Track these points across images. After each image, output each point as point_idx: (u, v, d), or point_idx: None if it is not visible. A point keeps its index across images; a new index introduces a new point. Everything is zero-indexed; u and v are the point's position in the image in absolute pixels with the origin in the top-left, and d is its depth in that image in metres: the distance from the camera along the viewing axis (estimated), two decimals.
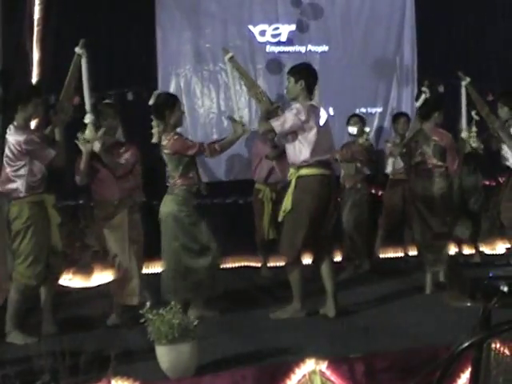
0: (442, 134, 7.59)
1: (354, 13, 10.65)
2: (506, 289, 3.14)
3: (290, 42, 10.43)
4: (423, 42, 10.58)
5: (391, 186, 9.15)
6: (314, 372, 4.89)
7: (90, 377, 4.80)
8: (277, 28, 10.39)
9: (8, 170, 6.32)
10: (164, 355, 4.96)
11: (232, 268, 9.53)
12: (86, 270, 8.66)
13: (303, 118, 6.53)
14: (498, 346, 3.38)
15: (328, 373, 4.91)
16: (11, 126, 6.36)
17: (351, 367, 4.99)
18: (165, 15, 10.04)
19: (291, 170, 6.78)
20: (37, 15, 9.46)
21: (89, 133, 6.65)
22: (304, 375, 4.88)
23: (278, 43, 10.41)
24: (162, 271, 6.84)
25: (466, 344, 3.05)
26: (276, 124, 6.61)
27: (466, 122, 7.85)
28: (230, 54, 7.15)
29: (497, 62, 10.53)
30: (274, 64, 10.34)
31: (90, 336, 6.08)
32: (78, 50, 6.80)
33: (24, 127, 6.34)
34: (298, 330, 6.10)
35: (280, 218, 6.87)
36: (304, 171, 6.61)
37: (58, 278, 6.77)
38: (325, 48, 10.47)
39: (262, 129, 6.92)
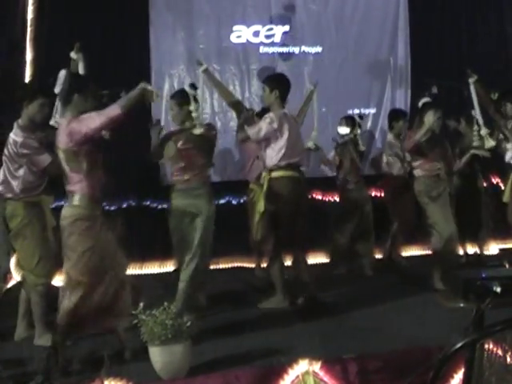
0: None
1: (347, 14, 10.66)
2: (498, 289, 3.14)
3: (283, 42, 10.43)
4: (417, 42, 10.60)
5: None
6: (307, 373, 4.88)
7: (83, 377, 4.80)
8: (270, 29, 10.40)
9: (6, 168, 6.19)
10: (157, 356, 4.96)
11: (225, 269, 9.54)
12: None
13: (276, 126, 6.97)
14: (490, 346, 3.38)
15: (321, 373, 4.91)
16: (15, 124, 6.20)
17: (344, 368, 4.99)
18: (158, 16, 10.04)
19: (264, 173, 7.24)
20: (30, 15, 9.45)
21: None
22: (297, 376, 4.87)
23: (272, 44, 10.41)
24: (193, 270, 6.68)
25: (459, 345, 3.05)
26: (252, 132, 7.04)
27: (481, 119, 7.78)
28: (204, 67, 7.23)
29: (490, 63, 10.53)
30: (268, 65, 10.33)
31: (83, 337, 6.06)
32: (73, 55, 6.75)
33: (27, 127, 6.14)
34: (291, 331, 6.10)
35: (257, 219, 7.22)
36: (275, 174, 7.06)
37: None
38: (318, 49, 10.48)
39: (240, 136, 7.31)
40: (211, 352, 5.45)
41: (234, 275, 9.08)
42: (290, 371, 4.88)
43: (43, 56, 9.30)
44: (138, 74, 8.64)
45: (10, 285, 8.75)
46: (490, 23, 10.87)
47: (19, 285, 8.38)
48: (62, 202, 9.00)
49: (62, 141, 5.40)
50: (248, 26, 10.35)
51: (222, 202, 9.92)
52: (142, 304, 5.18)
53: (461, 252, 9.22)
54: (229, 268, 9.60)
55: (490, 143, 7.73)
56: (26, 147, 6.05)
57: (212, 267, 9.27)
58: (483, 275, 3.32)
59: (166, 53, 10.07)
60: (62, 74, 5.57)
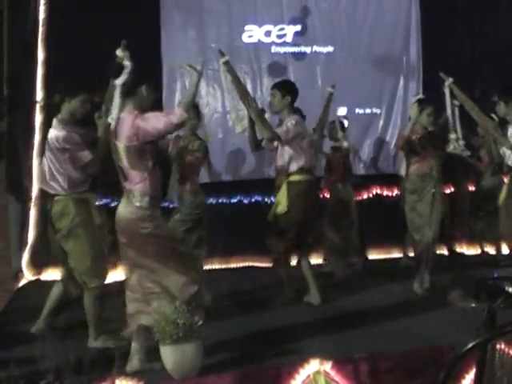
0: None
1: (359, 13, 10.63)
2: (510, 289, 3.13)
3: (295, 42, 10.42)
4: (429, 41, 10.56)
5: None
6: (318, 372, 4.89)
7: (94, 376, 4.80)
8: (282, 29, 10.39)
9: (51, 166, 6.02)
10: (168, 355, 4.96)
11: (236, 268, 9.54)
12: None
13: (301, 128, 7.17)
14: (502, 346, 3.38)
15: (332, 373, 4.91)
16: (54, 120, 6.09)
17: (356, 367, 4.99)
18: (169, 15, 10.04)
19: (280, 176, 7.36)
20: (42, 15, 9.47)
21: None
22: (308, 375, 4.88)
23: (283, 44, 10.40)
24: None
25: (471, 345, 3.04)
26: (281, 132, 7.07)
27: (452, 123, 7.74)
28: (225, 58, 7.19)
29: (501, 61, 10.49)
30: (279, 65, 10.33)
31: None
32: (119, 52, 6.72)
33: (67, 122, 6.05)
34: (302, 331, 6.10)
35: (270, 218, 7.29)
36: (296, 177, 7.21)
37: None
38: (330, 49, 10.46)
39: (267, 135, 7.16)
40: (222, 351, 5.46)
41: (246, 274, 9.08)
42: (301, 371, 4.88)
43: (55, 56, 9.32)
44: (150, 74, 8.65)
45: (21, 283, 8.81)
46: (502, 22, 10.81)
47: (30, 284, 8.45)
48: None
49: (126, 137, 5.16)
50: (260, 26, 10.33)
51: (233, 201, 9.92)
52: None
53: (479, 251, 9.25)
54: (240, 267, 9.59)
55: (459, 148, 7.69)
56: (68, 142, 5.93)
57: (223, 266, 9.34)
58: (495, 275, 3.32)
59: (178, 52, 10.06)
60: (127, 65, 5.47)
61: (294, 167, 7.20)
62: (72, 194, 5.99)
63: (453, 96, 7.54)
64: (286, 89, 7.30)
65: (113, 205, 9.01)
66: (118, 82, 5.31)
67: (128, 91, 5.31)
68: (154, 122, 5.16)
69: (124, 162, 5.22)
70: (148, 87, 5.43)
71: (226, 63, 7.20)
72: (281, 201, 7.22)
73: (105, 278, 6.07)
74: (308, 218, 7.27)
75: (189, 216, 7.35)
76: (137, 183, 5.21)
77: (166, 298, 5.17)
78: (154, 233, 5.22)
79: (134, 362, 5.21)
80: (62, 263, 6.21)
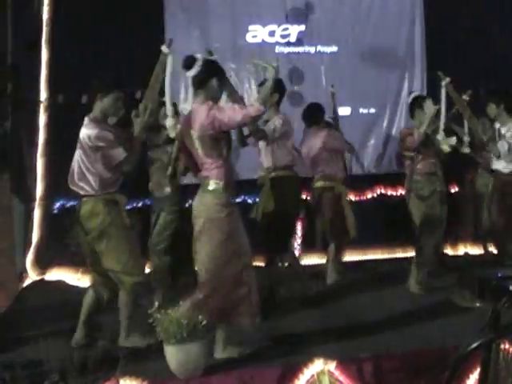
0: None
1: (363, 13, 10.61)
2: None
3: (299, 42, 10.41)
4: (433, 40, 10.55)
5: None
6: (322, 372, 4.89)
7: (98, 376, 4.81)
8: (286, 28, 10.38)
9: (81, 165, 5.90)
10: (172, 355, 4.96)
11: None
12: None
13: (288, 128, 7.24)
14: (506, 346, 3.38)
15: (337, 373, 4.92)
16: (86, 118, 5.96)
17: (360, 367, 5.00)
18: (173, 15, 10.04)
19: (262, 173, 7.42)
20: (45, 15, 9.48)
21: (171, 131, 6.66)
22: (312, 375, 4.88)
23: (288, 44, 10.39)
24: None
25: (475, 345, 3.05)
26: (268, 130, 7.14)
27: (443, 123, 7.72)
28: (213, 58, 7.21)
29: (506, 59, 10.48)
30: (283, 65, 10.32)
31: (99, 335, 6.08)
32: (164, 48, 6.70)
33: (99, 120, 5.93)
34: (306, 330, 6.10)
35: (258, 217, 7.36)
36: (280, 173, 7.26)
37: None
38: (334, 48, 10.45)
39: (258, 135, 7.22)
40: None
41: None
42: (306, 371, 4.89)
43: (59, 56, 9.33)
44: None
45: (25, 284, 8.83)
46: (507, 20, 10.80)
47: (34, 284, 8.46)
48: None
49: (200, 126, 5.32)
50: (264, 26, 10.32)
51: (237, 200, 9.90)
52: (157, 303, 5.20)
53: (482, 250, 9.24)
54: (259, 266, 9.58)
55: (446, 149, 7.67)
56: (101, 140, 5.79)
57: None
58: (499, 275, 3.31)
59: (181, 52, 9.99)
60: (199, 58, 5.52)
61: (278, 165, 7.25)
62: (102, 195, 5.86)
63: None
64: (275, 86, 7.24)
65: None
66: (190, 74, 5.54)
67: (199, 83, 5.52)
68: (231, 113, 5.33)
69: (199, 150, 5.42)
70: (216, 81, 5.57)
71: None
72: (267, 198, 7.25)
73: (141, 276, 5.94)
74: (293, 216, 7.44)
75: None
76: (212, 170, 5.40)
77: None
78: (225, 220, 5.39)
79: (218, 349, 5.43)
80: (93, 265, 6.09)
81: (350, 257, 9.27)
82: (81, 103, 8.95)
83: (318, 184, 8.32)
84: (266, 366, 5.12)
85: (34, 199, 9.15)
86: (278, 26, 10.36)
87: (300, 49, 10.41)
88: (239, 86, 9.77)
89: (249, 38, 10.28)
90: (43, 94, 9.37)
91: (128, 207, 9.34)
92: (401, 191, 10.10)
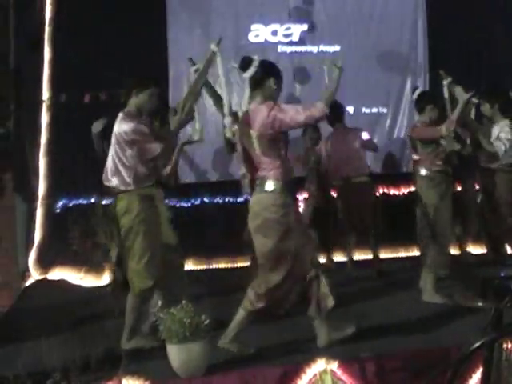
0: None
1: (365, 12, 10.61)
2: None
3: (301, 42, 10.41)
4: (436, 40, 10.55)
5: None
6: (324, 372, 4.90)
7: (100, 375, 4.81)
8: (288, 28, 10.37)
9: (116, 160, 5.86)
10: (175, 354, 4.96)
11: (242, 267, 9.53)
12: (97, 268, 8.65)
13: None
14: (509, 346, 3.37)
15: (339, 372, 4.92)
16: (120, 114, 5.96)
17: (362, 367, 5.00)
18: (175, 15, 10.04)
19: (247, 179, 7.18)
20: (48, 15, 9.49)
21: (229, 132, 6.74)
22: (315, 375, 4.89)
23: (290, 43, 10.39)
24: None
25: (477, 344, 3.04)
26: None
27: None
28: (196, 66, 7.24)
29: (509, 60, 10.47)
30: (286, 64, 10.32)
31: (101, 335, 6.08)
32: (213, 47, 6.71)
33: (134, 115, 5.92)
34: (308, 330, 6.09)
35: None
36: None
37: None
38: (336, 48, 10.44)
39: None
40: (229, 351, 5.45)
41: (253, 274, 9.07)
42: (308, 370, 4.90)
43: (61, 55, 9.34)
44: (156, 73, 8.67)
45: (28, 283, 8.83)
46: (510, 19, 10.79)
47: (36, 283, 8.45)
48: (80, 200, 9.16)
49: (260, 126, 5.36)
50: (266, 25, 10.32)
51: (240, 200, 9.90)
52: (159, 302, 5.20)
53: (485, 250, 9.21)
54: (246, 266, 9.58)
55: (454, 146, 7.62)
56: (137, 133, 5.77)
57: (229, 266, 9.34)
58: (501, 274, 3.31)
59: (184, 52, 10.05)
60: (255, 58, 5.56)
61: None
62: (137, 190, 5.84)
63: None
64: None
65: None
66: (246, 75, 5.56)
67: (256, 84, 5.55)
68: (293, 113, 5.35)
69: (257, 149, 5.44)
70: (273, 81, 5.58)
71: (197, 71, 7.27)
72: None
73: (154, 282, 5.84)
74: None
75: None
76: (270, 170, 5.43)
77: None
78: (281, 220, 5.41)
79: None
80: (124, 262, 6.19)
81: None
82: (83, 103, 8.97)
83: (362, 179, 8.53)
84: (268, 366, 5.12)
85: (37, 199, 9.16)
86: (281, 26, 10.35)
87: (302, 48, 10.40)
88: (241, 86, 9.77)
89: (251, 38, 10.28)
90: (45, 94, 9.38)
91: None
92: (403, 191, 10.12)
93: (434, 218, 7.27)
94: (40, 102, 9.30)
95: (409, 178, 9.48)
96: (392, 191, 10.22)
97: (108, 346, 5.62)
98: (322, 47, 10.44)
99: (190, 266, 9.25)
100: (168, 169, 6.95)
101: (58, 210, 9.27)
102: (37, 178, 9.16)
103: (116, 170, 5.85)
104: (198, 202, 9.10)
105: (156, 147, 5.78)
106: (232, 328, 5.54)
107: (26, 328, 6.53)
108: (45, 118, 9.31)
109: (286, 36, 10.37)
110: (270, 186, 5.40)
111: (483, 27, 10.59)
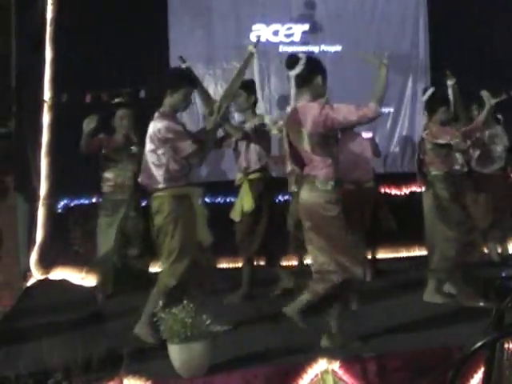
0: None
1: (367, 12, 10.61)
2: None
3: (303, 42, 10.41)
4: (437, 39, 10.55)
5: None
6: (326, 371, 4.90)
7: (102, 375, 4.81)
8: (290, 28, 10.38)
9: (150, 159, 5.89)
10: (176, 354, 4.96)
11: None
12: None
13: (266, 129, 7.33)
14: (511, 346, 3.37)
15: (340, 372, 4.92)
16: (156, 113, 5.99)
17: (364, 367, 5.00)
18: (177, 15, 10.04)
19: (241, 175, 7.43)
20: (49, 15, 9.49)
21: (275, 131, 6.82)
22: (316, 374, 4.89)
23: (291, 43, 10.38)
24: None
25: (479, 344, 3.04)
26: (250, 129, 7.25)
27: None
28: (185, 65, 7.27)
29: (510, 58, 10.46)
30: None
31: (103, 335, 6.08)
32: (251, 48, 6.74)
33: (169, 114, 5.94)
34: (310, 330, 6.09)
35: (237, 218, 7.41)
36: (257, 175, 7.40)
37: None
38: (338, 48, 10.44)
39: (238, 135, 7.27)
40: (231, 350, 5.46)
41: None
42: (310, 370, 4.90)
43: (63, 55, 9.34)
44: (158, 74, 8.69)
45: (29, 283, 8.84)
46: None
47: (38, 283, 8.45)
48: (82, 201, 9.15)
49: (312, 124, 5.39)
50: (267, 25, 10.33)
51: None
52: (161, 302, 5.20)
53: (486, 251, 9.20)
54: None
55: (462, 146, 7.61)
56: (170, 131, 5.80)
57: (231, 266, 9.32)
58: (503, 274, 3.31)
59: (185, 52, 10.03)
60: (302, 56, 5.58)
61: (256, 166, 7.33)
62: (170, 189, 5.86)
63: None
64: (252, 89, 7.43)
65: None
66: (293, 72, 5.57)
67: (303, 81, 5.59)
68: (346, 112, 5.46)
69: (308, 147, 5.45)
70: (321, 79, 5.67)
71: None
72: (246, 199, 7.28)
73: (178, 281, 5.84)
74: (269, 217, 7.46)
75: None
76: (321, 169, 5.44)
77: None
78: (338, 216, 5.45)
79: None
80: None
81: None
82: (84, 103, 8.97)
83: (369, 185, 8.46)
84: (269, 366, 5.12)
85: (38, 199, 9.17)
86: (282, 26, 10.36)
87: (304, 48, 10.39)
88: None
89: (252, 38, 10.24)
90: (47, 94, 9.38)
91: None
92: (405, 190, 10.12)
93: (442, 221, 7.19)
94: (41, 101, 9.30)
95: (409, 177, 9.51)
96: (393, 191, 10.22)
97: (109, 346, 5.61)
98: (324, 47, 10.45)
99: None
100: None
101: (60, 210, 9.28)
102: (38, 178, 9.17)
103: (149, 169, 5.89)
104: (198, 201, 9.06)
105: (189, 146, 5.81)
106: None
107: (28, 328, 6.53)
108: (46, 118, 9.31)
109: (288, 36, 10.38)
110: (322, 184, 5.43)
111: (485, 24, 10.58)
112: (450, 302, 6.89)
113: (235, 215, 7.41)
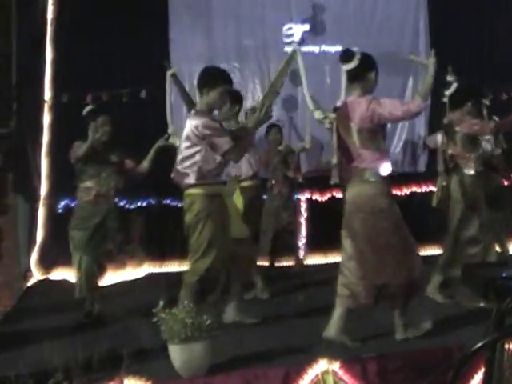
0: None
1: (367, 12, 10.62)
2: None
3: (303, 42, 10.41)
4: (438, 39, 10.53)
5: None
6: (326, 372, 4.90)
7: (102, 375, 4.81)
8: (290, 28, 10.37)
9: (185, 156, 5.90)
10: (176, 354, 4.97)
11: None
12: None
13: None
14: (511, 346, 3.37)
15: (341, 373, 4.92)
16: (192, 111, 6.10)
17: (364, 367, 5.00)
18: (177, 15, 10.05)
19: (231, 182, 7.47)
20: (50, 15, 9.50)
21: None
22: (317, 375, 4.89)
23: (292, 43, 10.36)
24: None
25: (479, 344, 3.04)
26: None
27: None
28: (172, 70, 7.28)
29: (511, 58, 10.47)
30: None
31: (103, 335, 6.08)
32: (295, 46, 6.78)
33: (205, 112, 5.98)
34: (310, 330, 6.09)
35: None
36: (249, 182, 7.67)
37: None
38: (338, 48, 10.41)
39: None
40: (231, 351, 5.46)
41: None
42: (310, 370, 4.89)
43: (63, 55, 9.34)
44: (158, 74, 8.67)
45: (30, 283, 8.84)
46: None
47: (38, 283, 8.43)
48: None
49: (359, 119, 5.51)
50: (267, 25, 10.32)
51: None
52: (161, 302, 5.20)
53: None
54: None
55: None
56: (208, 128, 5.80)
57: None
58: (503, 274, 3.31)
59: (186, 51, 10.08)
60: (357, 52, 5.62)
61: (248, 173, 7.57)
62: (202, 187, 5.88)
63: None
64: (235, 98, 7.48)
65: (121, 204, 9.07)
66: (348, 67, 5.65)
67: (356, 76, 5.67)
68: (391, 108, 5.53)
69: (357, 142, 5.57)
70: (372, 74, 5.77)
71: (173, 75, 7.30)
72: (236, 203, 7.22)
73: (198, 279, 5.86)
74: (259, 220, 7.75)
75: None
76: (370, 162, 5.57)
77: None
78: (390, 209, 5.56)
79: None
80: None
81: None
82: (85, 103, 8.96)
83: None
84: (270, 366, 5.12)
85: (39, 199, 9.18)
86: (282, 26, 10.35)
87: (304, 48, 10.38)
88: (243, 86, 9.79)
89: (253, 38, 10.28)
90: (48, 94, 9.39)
91: (131, 207, 9.48)
92: (405, 191, 10.11)
93: (460, 218, 7.27)
94: (42, 101, 9.31)
95: (409, 177, 9.53)
96: (393, 191, 10.21)
97: (110, 346, 5.62)
98: (324, 47, 10.46)
99: None
100: (144, 164, 7.35)
101: (60, 210, 9.29)
102: (39, 178, 9.17)
103: (185, 166, 5.91)
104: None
105: (226, 142, 5.84)
106: (397, 323, 5.74)
107: (28, 328, 6.55)
108: (47, 118, 9.32)
109: (288, 36, 10.37)
110: (371, 176, 5.54)
111: (485, 26, 10.60)
112: (449, 302, 6.90)
113: None
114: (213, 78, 6.04)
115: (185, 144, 5.89)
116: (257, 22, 10.30)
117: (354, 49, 5.73)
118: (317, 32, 10.46)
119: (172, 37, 10.04)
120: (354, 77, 5.67)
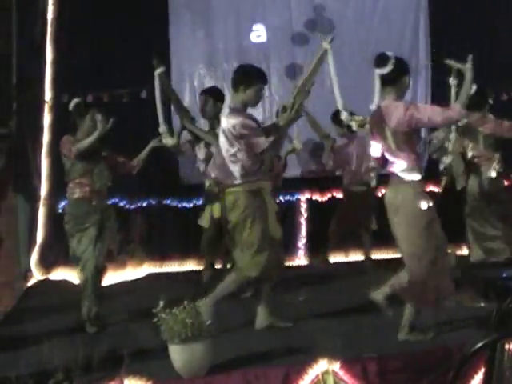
0: None
1: (367, 13, 10.60)
2: None
3: (303, 42, 10.39)
4: (438, 41, 10.54)
5: None
6: (326, 372, 4.90)
7: (103, 375, 4.81)
8: (290, 28, 10.36)
9: (224, 155, 6.02)
10: (177, 354, 4.97)
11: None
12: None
13: None
14: (511, 346, 3.37)
15: (341, 373, 4.92)
16: (226, 109, 6.16)
17: (364, 367, 4.99)
18: (177, 15, 10.05)
19: (209, 181, 7.41)
20: (50, 15, 9.50)
21: None
22: (317, 375, 4.89)
23: (292, 43, 10.37)
24: None
25: (480, 344, 3.04)
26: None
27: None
28: (160, 69, 7.27)
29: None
30: (287, 64, 10.32)
31: (103, 335, 6.08)
32: (326, 45, 6.78)
33: (240, 110, 6.06)
34: (310, 330, 6.10)
35: (206, 224, 7.61)
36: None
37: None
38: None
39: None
40: (231, 351, 5.45)
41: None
42: (310, 370, 4.89)
43: (64, 56, 9.34)
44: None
45: (30, 283, 8.84)
46: None
47: (38, 283, 8.44)
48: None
49: (396, 123, 5.50)
50: (267, 25, 10.32)
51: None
52: (162, 302, 5.19)
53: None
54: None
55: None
56: (245, 128, 5.88)
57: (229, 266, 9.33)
58: (504, 275, 3.31)
59: (186, 52, 10.08)
60: (391, 56, 5.63)
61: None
62: (244, 184, 5.97)
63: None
64: (218, 95, 7.59)
65: (121, 204, 9.08)
66: (382, 71, 5.64)
67: (391, 80, 5.67)
68: (430, 113, 5.48)
69: (392, 144, 5.59)
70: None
71: (160, 74, 7.30)
72: (216, 206, 7.16)
73: (257, 274, 5.98)
74: None
75: None
76: (406, 163, 5.57)
77: None
78: (428, 211, 5.54)
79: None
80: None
81: (352, 257, 9.30)
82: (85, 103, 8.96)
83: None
84: (270, 366, 5.12)
85: (39, 199, 9.18)
86: (282, 26, 10.34)
87: (304, 48, 10.39)
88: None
89: (253, 38, 10.28)
90: (48, 94, 9.39)
91: (132, 207, 9.48)
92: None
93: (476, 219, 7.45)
94: (42, 102, 9.31)
95: None
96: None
97: (110, 346, 5.61)
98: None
99: (191, 266, 9.30)
100: (135, 161, 7.28)
101: (60, 210, 9.25)
102: (39, 178, 9.18)
103: (224, 165, 6.01)
104: (199, 202, 9.04)
105: (263, 141, 5.91)
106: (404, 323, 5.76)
107: (28, 328, 6.53)
108: (47, 119, 9.33)
109: (288, 36, 10.37)
110: (408, 176, 5.57)
111: (486, 26, 10.58)
112: (450, 302, 6.89)
113: (204, 222, 7.55)
114: (250, 76, 6.14)
115: (224, 143, 6.01)
116: (257, 22, 10.30)
117: (389, 53, 5.70)
118: (316, 32, 10.43)
119: (172, 37, 10.05)
120: (388, 81, 5.66)
